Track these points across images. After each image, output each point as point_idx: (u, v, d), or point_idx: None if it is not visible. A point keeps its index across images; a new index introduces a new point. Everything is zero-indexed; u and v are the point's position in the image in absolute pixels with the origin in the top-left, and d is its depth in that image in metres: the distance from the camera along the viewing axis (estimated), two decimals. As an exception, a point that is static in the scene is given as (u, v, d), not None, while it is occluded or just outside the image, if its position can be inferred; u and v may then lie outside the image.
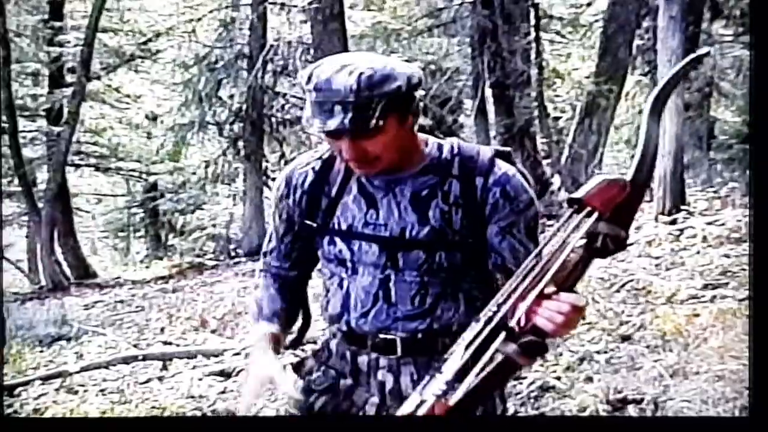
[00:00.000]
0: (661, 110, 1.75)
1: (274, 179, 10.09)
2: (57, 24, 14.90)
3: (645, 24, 11.79)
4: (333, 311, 2.14)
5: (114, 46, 15.70)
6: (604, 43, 11.71)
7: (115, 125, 17.16)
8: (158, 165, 16.44)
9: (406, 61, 2.18)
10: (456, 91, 13.68)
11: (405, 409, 1.52)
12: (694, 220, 7.81)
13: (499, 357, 1.54)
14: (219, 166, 13.97)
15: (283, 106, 13.53)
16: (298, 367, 2.23)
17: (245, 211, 13.39)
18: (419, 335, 2.06)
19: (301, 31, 12.54)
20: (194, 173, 14.90)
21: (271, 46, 12.72)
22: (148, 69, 16.84)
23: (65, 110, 14.31)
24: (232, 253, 13.86)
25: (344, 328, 2.12)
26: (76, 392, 5.87)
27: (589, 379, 4.67)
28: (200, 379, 5.72)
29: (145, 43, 15.72)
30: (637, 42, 11.88)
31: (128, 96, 17.14)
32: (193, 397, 5.40)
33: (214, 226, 15.01)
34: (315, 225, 2.12)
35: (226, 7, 13.64)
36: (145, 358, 6.54)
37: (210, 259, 13.79)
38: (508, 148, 2.14)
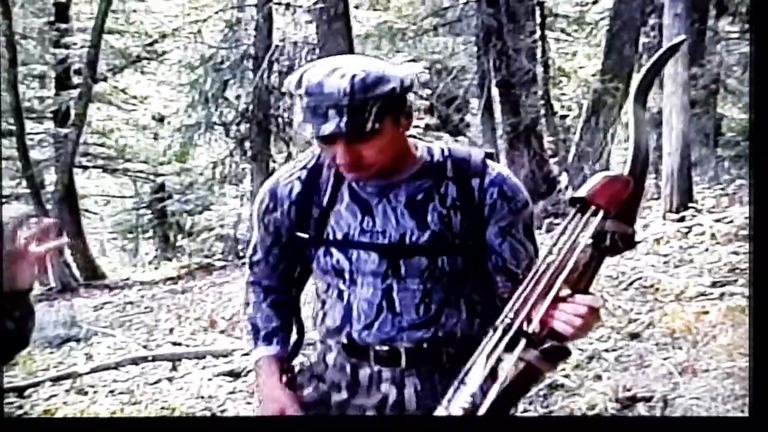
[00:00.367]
0: (644, 101, 1.73)
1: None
2: (63, 26, 14.94)
3: (650, 21, 11.75)
4: (332, 324, 2.08)
5: (120, 47, 15.73)
6: (610, 41, 11.69)
7: (122, 126, 17.18)
8: (165, 166, 16.46)
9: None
10: (462, 90, 13.68)
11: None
12: (701, 217, 7.80)
13: (521, 365, 1.52)
14: (226, 167, 13.97)
15: (289, 107, 13.53)
16: (290, 383, 2.18)
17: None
18: (424, 345, 2.02)
19: (307, 31, 12.56)
20: (201, 174, 14.90)
21: (277, 46, 12.73)
22: (155, 70, 16.87)
23: (72, 112, 14.32)
24: (241, 254, 13.83)
25: (344, 340, 2.06)
26: (86, 393, 5.90)
27: (598, 377, 4.68)
28: (209, 380, 5.74)
29: (151, 44, 15.76)
30: (642, 39, 11.85)
31: (135, 97, 17.17)
32: (202, 397, 5.42)
33: (222, 226, 14.99)
34: (308, 236, 2.05)
35: (232, 8, 13.64)
36: (154, 359, 6.56)
37: (218, 259, 13.79)
38: (492, 150, 2.12)
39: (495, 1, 11.34)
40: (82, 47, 14.23)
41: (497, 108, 12.50)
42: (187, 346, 7.09)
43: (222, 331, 7.51)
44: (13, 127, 13.47)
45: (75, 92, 14.16)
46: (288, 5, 12.87)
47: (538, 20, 12.19)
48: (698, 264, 6.58)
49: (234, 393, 5.41)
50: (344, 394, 2.11)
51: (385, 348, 2.02)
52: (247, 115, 13.30)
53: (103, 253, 19.78)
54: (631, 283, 6.37)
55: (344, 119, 1.80)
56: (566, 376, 4.64)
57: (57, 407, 5.61)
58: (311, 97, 1.81)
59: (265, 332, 2.21)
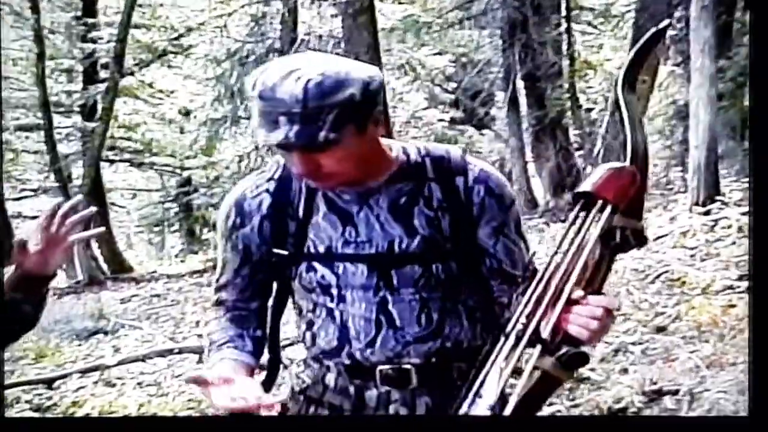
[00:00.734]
0: (633, 86, 1.64)
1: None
2: (90, 21, 15.04)
3: (677, 14, 11.67)
4: (327, 345, 1.89)
5: (146, 41, 15.83)
6: (636, 34, 11.63)
7: (148, 120, 17.29)
8: (192, 160, 16.54)
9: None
10: (487, 84, 13.67)
11: None
12: (728, 210, 7.76)
13: (537, 374, 1.44)
14: (252, 161, 14.01)
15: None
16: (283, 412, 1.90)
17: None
18: (433, 359, 1.86)
19: (332, 25, 12.56)
20: (227, 168, 14.94)
21: (302, 40, 12.74)
22: (181, 64, 16.94)
23: (99, 106, 14.44)
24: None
25: (347, 361, 1.88)
26: (114, 385, 5.96)
27: (625, 371, 4.68)
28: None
29: (177, 38, 15.83)
30: (669, 32, 11.78)
31: (161, 91, 17.27)
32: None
33: (247, 220, 15.03)
34: (287, 252, 1.86)
35: (257, 1, 13.68)
36: (180, 351, 6.60)
37: (243, 252, 13.84)
38: (463, 146, 1.99)
39: (520, -6, 11.34)
40: (109, 42, 14.32)
41: (522, 101, 12.49)
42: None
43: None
44: (41, 121, 13.60)
45: (102, 86, 14.27)
46: (313, -1, 12.91)
47: (564, 13, 12.18)
48: (725, 257, 6.56)
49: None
50: None
51: (393, 367, 1.86)
52: (273, 109, 13.32)
53: (130, 246, 19.91)
54: (657, 277, 6.35)
55: (295, 128, 1.62)
56: (592, 370, 4.64)
57: (85, 399, 5.67)
58: (264, 101, 1.64)
59: (226, 338, 1.95)
